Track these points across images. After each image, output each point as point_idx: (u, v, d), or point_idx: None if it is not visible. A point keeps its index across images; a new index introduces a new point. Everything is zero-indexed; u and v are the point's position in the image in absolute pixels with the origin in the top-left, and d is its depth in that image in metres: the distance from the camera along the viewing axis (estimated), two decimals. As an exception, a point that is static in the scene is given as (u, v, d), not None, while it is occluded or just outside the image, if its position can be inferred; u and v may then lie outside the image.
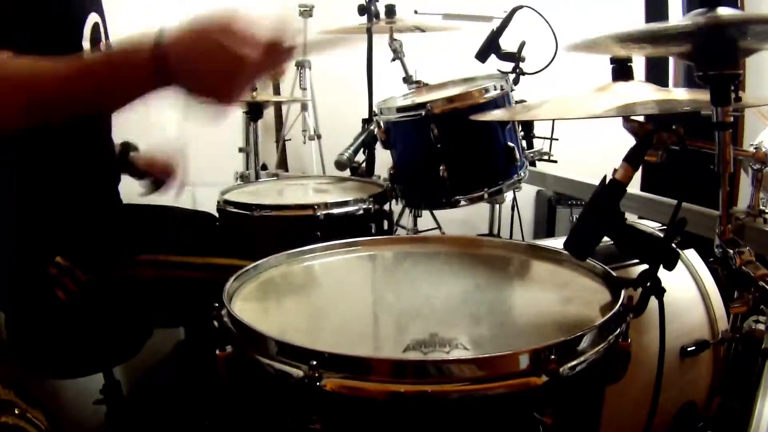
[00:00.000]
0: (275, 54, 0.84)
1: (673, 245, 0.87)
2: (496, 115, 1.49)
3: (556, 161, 1.99)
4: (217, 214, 1.62)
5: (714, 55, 0.87)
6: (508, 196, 1.75)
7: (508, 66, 1.76)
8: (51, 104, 0.83)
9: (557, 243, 1.05)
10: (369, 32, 2.12)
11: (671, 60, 3.07)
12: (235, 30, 0.80)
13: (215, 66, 0.80)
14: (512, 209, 2.37)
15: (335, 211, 1.55)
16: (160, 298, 1.24)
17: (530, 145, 1.90)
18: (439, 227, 2.54)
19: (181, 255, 1.23)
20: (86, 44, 1.16)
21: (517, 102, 1.64)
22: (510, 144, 1.57)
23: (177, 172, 1.50)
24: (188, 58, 0.80)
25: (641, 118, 1.04)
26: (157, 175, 1.49)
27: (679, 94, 1.15)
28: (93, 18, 1.17)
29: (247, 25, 0.81)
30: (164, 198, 1.57)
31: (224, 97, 0.83)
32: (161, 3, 2.55)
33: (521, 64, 1.76)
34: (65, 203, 1.17)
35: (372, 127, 1.78)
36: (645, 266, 0.88)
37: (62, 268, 1.11)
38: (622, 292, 0.87)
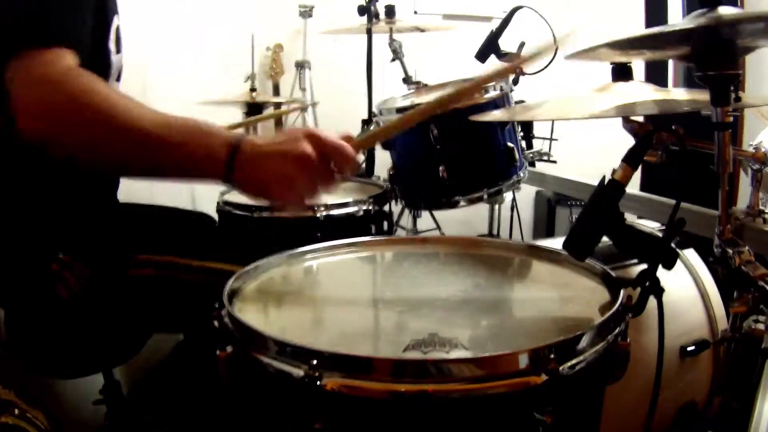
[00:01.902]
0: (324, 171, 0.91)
1: (672, 245, 0.87)
2: (496, 115, 1.49)
3: (555, 161, 1.99)
4: (216, 215, 1.62)
5: (713, 55, 0.87)
6: (508, 196, 1.74)
7: (507, 66, 1.76)
8: (125, 157, 0.91)
9: (557, 243, 1.05)
10: (369, 32, 2.13)
11: (671, 60, 3.07)
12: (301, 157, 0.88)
13: (275, 183, 0.90)
14: (512, 209, 2.36)
15: (335, 212, 1.55)
16: (159, 299, 1.24)
17: (530, 146, 1.90)
18: (438, 228, 2.54)
19: (178, 255, 1.23)
20: (111, 45, 1.17)
21: (516, 102, 1.64)
22: (509, 144, 1.57)
23: None
24: (255, 177, 0.90)
25: (641, 119, 1.04)
26: None
27: (678, 94, 1.16)
28: (116, 20, 1.18)
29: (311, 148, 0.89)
30: (163, 198, 1.57)
31: (280, 200, 0.93)
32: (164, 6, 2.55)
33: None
34: (66, 199, 1.17)
35: (371, 128, 1.78)
36: (644, 266, 0.88)
37: (64, 264, 1.11)
38: (621, 291, 0.87)
